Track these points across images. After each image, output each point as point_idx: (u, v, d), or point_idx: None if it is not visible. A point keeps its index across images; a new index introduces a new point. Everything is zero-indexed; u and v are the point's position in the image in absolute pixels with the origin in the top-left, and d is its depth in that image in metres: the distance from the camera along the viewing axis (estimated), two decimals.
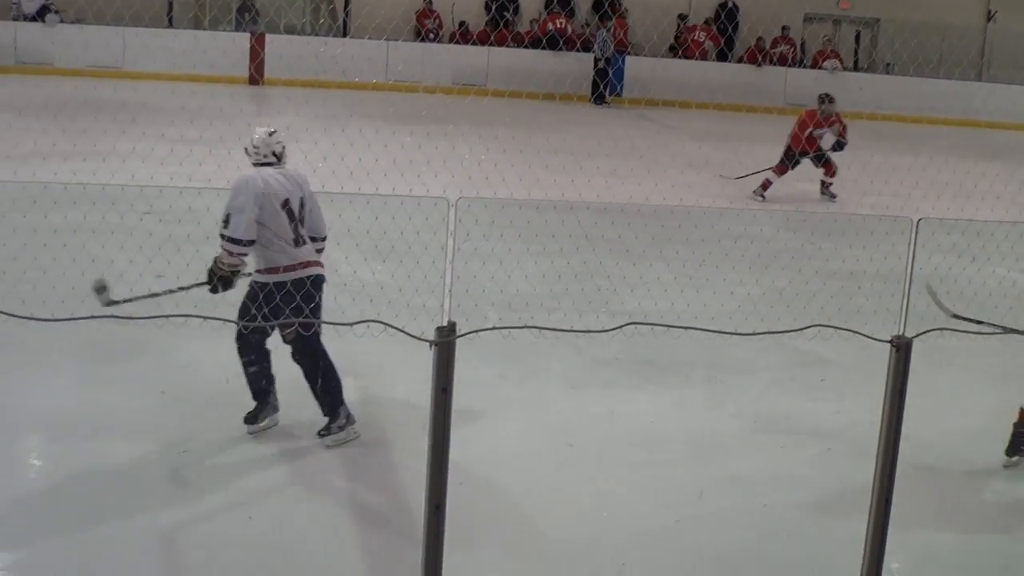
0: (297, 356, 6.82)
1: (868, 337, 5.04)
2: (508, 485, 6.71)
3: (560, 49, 24.62)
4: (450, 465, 4.30)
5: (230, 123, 13.51)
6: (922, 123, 25.55)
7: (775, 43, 27.87)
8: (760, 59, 27.38)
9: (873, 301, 6.91)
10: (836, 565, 5.96)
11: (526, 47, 25.73)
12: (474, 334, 4.35)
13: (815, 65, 27.90)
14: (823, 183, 16.15)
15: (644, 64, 25.38)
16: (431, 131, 13.43)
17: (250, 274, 6.70)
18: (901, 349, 4.76)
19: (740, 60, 27.44)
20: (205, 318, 4.43)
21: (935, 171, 12.38)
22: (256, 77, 23.60)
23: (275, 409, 7.09)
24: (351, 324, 4.47)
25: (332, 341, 6.32)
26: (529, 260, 9.37)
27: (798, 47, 28.55)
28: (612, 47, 25.80)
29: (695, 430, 7.73)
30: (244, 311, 6.63)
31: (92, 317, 4.41)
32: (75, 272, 6.65)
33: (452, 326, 4.26)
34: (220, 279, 6.49)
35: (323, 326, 6.66)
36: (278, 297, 6.51)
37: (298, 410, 7.12)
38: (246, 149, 6.82)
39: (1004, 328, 5.50)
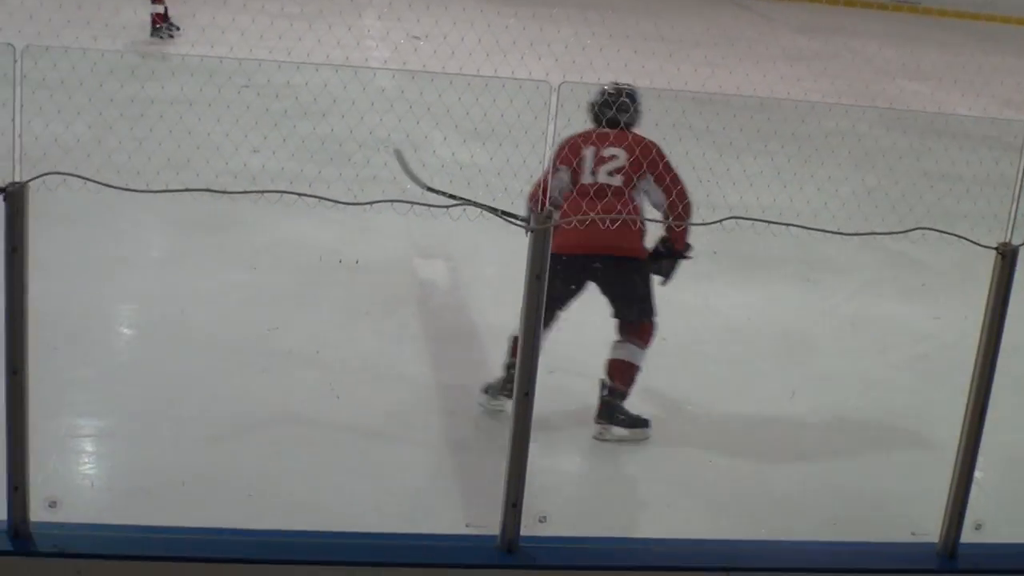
0: None
1: (974, 243, 4.90)
2: (598, 374, 6.67)
3: None
4: (540, 352, 4.26)
5: None
6: None
7: None
8: None
9: (981, 206, 6.72)
10: (925, 473, 5.87)
11: None
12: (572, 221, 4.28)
13: None
14: None
15: None
16: (536, 13, 13.23)
17: None
18: (1007, 256, 4.64)
19: None
20: (300, 195, 4.39)
21: None
22: None
23: None
24: (447, 206, 4.42)
25: (427, 223, 6.28)
26: None
27: None
28: None
29: (789, 328, 7.65)
30: None
31: (186, 190, 4.39)
32: (171, 144, 6.63)
33: (550, 212, 4.20)
34: None
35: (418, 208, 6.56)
36: None
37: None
38: None
39: (475, 202, 5.10)
